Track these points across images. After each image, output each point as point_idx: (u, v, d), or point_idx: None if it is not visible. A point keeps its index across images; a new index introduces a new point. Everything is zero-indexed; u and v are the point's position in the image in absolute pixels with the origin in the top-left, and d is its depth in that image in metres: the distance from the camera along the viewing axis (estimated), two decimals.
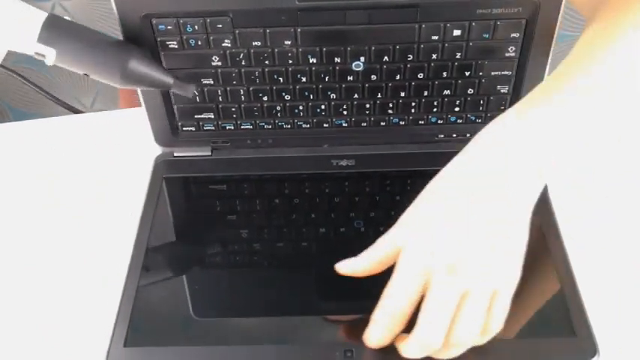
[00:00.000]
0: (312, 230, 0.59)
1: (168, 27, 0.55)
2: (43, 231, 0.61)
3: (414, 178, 0.62)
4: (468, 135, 0.62)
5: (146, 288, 0.53)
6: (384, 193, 0.62)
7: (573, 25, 1.16)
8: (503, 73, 0.58)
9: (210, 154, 0.64)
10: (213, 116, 0.61)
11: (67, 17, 0.50)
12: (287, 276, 0.55)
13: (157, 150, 0.65)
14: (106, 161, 0.67)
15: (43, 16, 0.48)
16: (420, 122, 0.62)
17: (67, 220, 0.62)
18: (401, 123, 0.62)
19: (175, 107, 0.61)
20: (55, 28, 0.48)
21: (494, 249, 0.41)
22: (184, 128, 0.63)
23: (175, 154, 0.65)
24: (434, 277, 0.41)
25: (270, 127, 0.62)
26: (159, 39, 0.55)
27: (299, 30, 0.55)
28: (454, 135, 0.63)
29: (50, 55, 0.48)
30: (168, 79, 0.51)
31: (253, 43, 0.56)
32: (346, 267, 0.46)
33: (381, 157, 0.63)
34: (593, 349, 0.45)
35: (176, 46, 0.56)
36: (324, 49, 0.56)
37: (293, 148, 0.64)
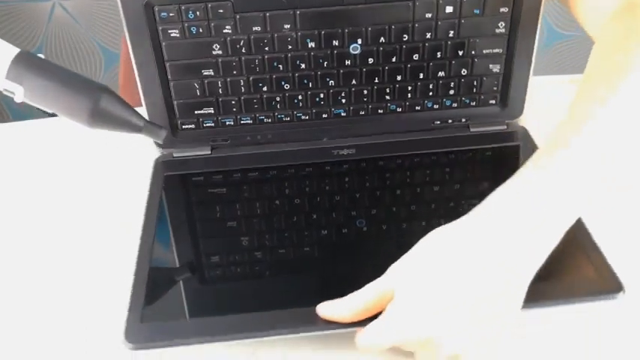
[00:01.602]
0: (318, 215, 0.59)
1: (170, 14, 0.56)
2: (43, 231, 0.60)
3: (414, 161, 0.63)
4: (463, 120, 0.64)
5: (158, 268, 0.52)
6: (386, 178, 0.63)
7: (573, 24, 1.21)
8: (494, 50, 0.60)
9: (209, 152, 0.65)
10: (213, 111, 0.62)
11: (41, 55, 0.49)
12: (295, 249, 0.55)
13: (157, 150, 0.65)
14: (106, 161, 0.67)
15: (13, 52, 0.47)
16: (417, 108, 0.63)
17: (67, 220, 0.61)
18: (398, 110, 0.63)
19: (175, 103, 0.62)
20: (25, 66, 0.47)
21: (490, 324, 0.41)
22: (184, 126, 0.63)
23: (175, 155, 0.65)
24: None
25: (269, 120, 0.63)
26: (160, 27, 0.57)
27: (298, 12, 0.57)
28: (450, 121, 0.64)
29: (18, 93, 0.47)
30: (139, 122, 0.49)
31: (253, 29, 0.57)
32: (327, 310, 0.44)
33: (380, 145, 0.64)
34: (619, 285, 0.45)
35: (177, 35, 0.57)
36: (322, 31, 0.58)
37: (293, 142, 0.65)
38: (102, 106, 0.48)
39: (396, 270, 0.42)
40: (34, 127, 0.71)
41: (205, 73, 0.60)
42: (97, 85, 0.49)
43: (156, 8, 0.56)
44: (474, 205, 0.43)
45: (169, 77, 0.60)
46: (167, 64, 0.59)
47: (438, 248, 0.42)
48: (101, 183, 0.65)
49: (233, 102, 0.62)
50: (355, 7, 0.57)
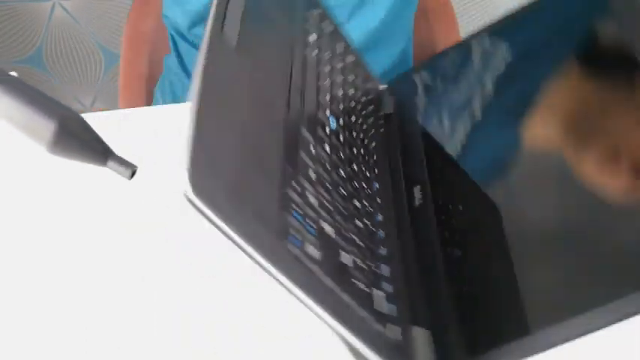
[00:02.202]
0: None
1: None
2: (44, 231, 0.60)
3: None
4: None
5: None
6: None
7: None
8: None
9: None
10: None
11: (13, 73, 0.48)
12: None
13: None
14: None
15: None
16: None
17: (66, 219, 0.61)
18: None
19: None
20: None
21: None
22: None
23: None
24: None
25: None
26: None
27: None
28: None
29: None
30: (105, 155, 0.47)
31: None
32: None
33: None
34: None
35: None
36: None
37: None
38: (67, 130, 0.45)
39: None
40: None
41: None
42: (67, 109, 0.46)
43: None
44: None
45: None
46: None
47: None
48: (100, 182, 0.64)
49: None
50: None
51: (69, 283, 0.56)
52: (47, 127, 0.45)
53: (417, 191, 0.52)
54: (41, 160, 0.68)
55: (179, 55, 0.92)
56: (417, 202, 0.51)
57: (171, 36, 0.92)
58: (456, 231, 0.47)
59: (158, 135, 0.67)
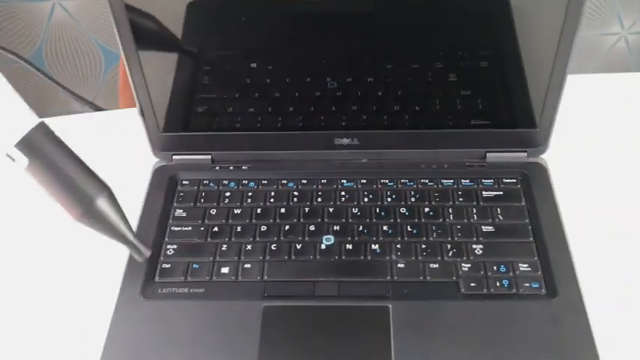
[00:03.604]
0: None
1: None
2: (44, 230, 0.60)
3: None
4: None
5: None
6: None
7: None
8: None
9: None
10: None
11: (57, 134, 0.47)
12: None
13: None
14: (106, 161, 0.66)
15: (33, 122, 0.45)
16: None
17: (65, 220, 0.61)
18: None
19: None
20: (39, 141, 0.45)
21: None
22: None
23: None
24: None
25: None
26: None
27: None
28: None
29: (21, 163, 0.45)
30: (129, 233, 0.49)
31: None
32: None
33: None
34: None
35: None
36: None
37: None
38: (98, 206, 0.47)
39: None
40: None
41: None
42: (101, 183, 0.48)
43: None
44: None
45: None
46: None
47: None
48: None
49: None
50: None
51: (66, 284, 0.56)
52: (81, 202, 0.46)
53: None
54: None
55: None
56: None
57: None
58: None
59: None
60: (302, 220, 0.59)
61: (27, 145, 0.44)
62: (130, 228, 0.49)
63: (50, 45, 1.37)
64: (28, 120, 0.44)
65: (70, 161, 0.46)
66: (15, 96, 0.45)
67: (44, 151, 0.45)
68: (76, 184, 0.46)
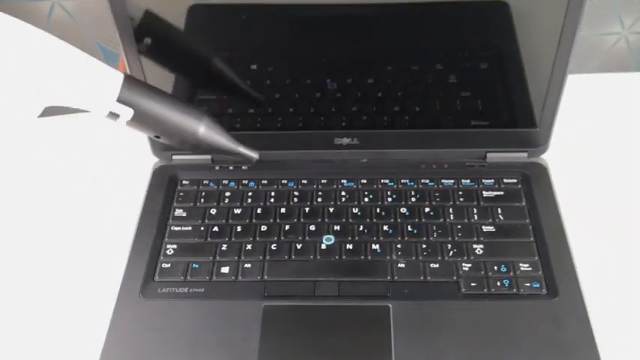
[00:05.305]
0: None
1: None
2: (43, 231, 0.60)
3: None
4: None
5: None
6: None
7: None
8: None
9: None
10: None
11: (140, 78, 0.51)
12: None
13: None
14: (106, 161, 0.67)
15: (120, 76, 0.47)
16: None
17: (66, 219, 0.61)
18: None
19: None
20: (134, 89, 0.47)
21: None
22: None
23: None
24: None
25: None
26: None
27: None
28: None
29: (126, 115, 0.47)
30: (235, 145, 0.52)
31: None
32: None
33: None
34: None
35: None
36: None
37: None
38: (205, 130, 0.50)
39: None
40: (33, 127, 0.71)
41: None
42: (198, 110, 0.51)
43: None
44: None
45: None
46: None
47: None
48: (100, 182, 0.65)
49: None
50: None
51: (66, 284, 0.56)
52: (191, 130, 0.50)
53: None
54: (41, 161, 0.68)
55: None
56: None
57: None
58: None
59: None
60: (302, 220, 0.59)
61: (126, 96, 0.46)
62: (234, 139, 0.52)
63: None
64: (115, 75, 0.47)
65: (165, 97, 0.49)
66: (92, 59, 0.47)
67: (142, 97, 0.47)
68: (183, 113, 0.49)
